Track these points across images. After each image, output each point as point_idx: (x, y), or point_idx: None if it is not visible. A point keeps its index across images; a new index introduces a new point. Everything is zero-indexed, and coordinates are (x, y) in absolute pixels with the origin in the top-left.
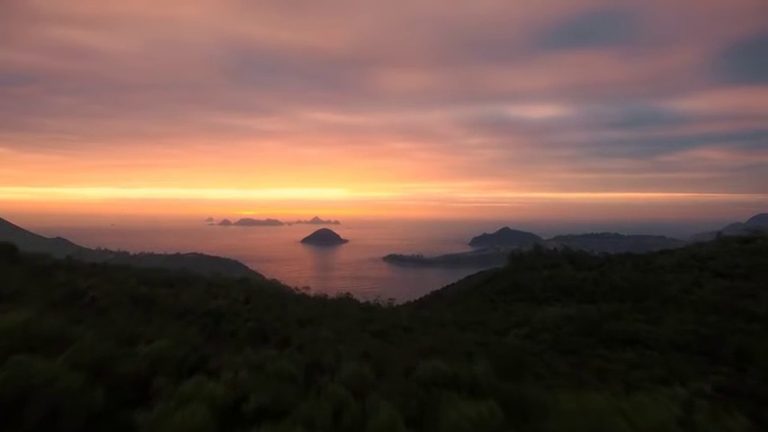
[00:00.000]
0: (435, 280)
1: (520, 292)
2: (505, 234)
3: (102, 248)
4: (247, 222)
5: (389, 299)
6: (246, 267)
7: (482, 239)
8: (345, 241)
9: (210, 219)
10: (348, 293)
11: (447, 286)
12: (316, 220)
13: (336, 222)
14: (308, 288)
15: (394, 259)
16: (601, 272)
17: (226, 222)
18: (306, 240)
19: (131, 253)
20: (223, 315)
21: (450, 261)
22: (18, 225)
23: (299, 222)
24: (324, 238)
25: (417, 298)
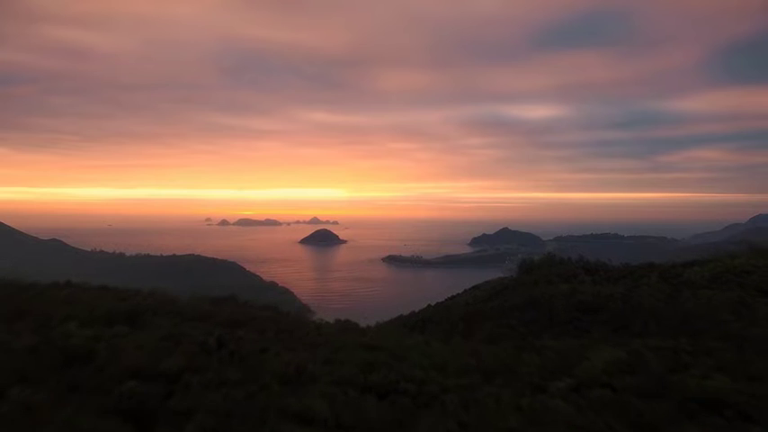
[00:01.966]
0: (435, 282)
1: (536, 309)
2: (505, 234)
3: (98, 249)
4: (246, 222)
5: (392, 319)
6: (244, 269)
7: (482, 240)
8: (344, 242)
9: (209, 219)
10: (347, 320)
11: (452, 297)
12: (314, 221)
13: (335, 223)
14: (308, 309)
15: (393, 260)
16: (626, 287)
17: (224, 222)
18: (304, 241)
19: (127, 254)
20: (180, 377)
21: (449, 262)
22: (14, 226)
23: (297, 222)
24: (323, 238)
25: (420, 309)
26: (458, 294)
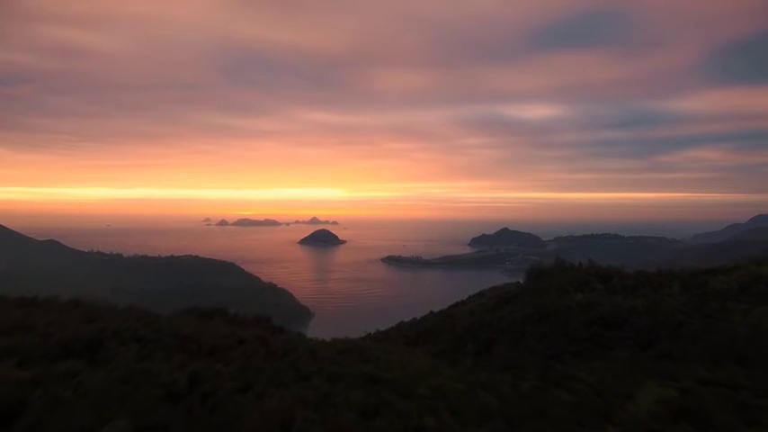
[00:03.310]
0: (435, 283)
1: (550, 323)
2: (505, 235)
3: (95, 250)
4: (245, 223)
5: (393, 327)
6: (242, 270)
7: (481, 240)
8: (344, 242)
9: (208, 219)
10: (346, 338)
11: (455, 304)
12: (314, 221)
13: (335, 223)
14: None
15: (393, 260)
16: (647, 298)
17: (223, 222)
18: (304, 241)
19: (125, 255)
20: None
21: (449, 262)
22: (11, 227)
23: (297, 223)
24: (322, 238)
25: (422, 315)
26: (461, 302)
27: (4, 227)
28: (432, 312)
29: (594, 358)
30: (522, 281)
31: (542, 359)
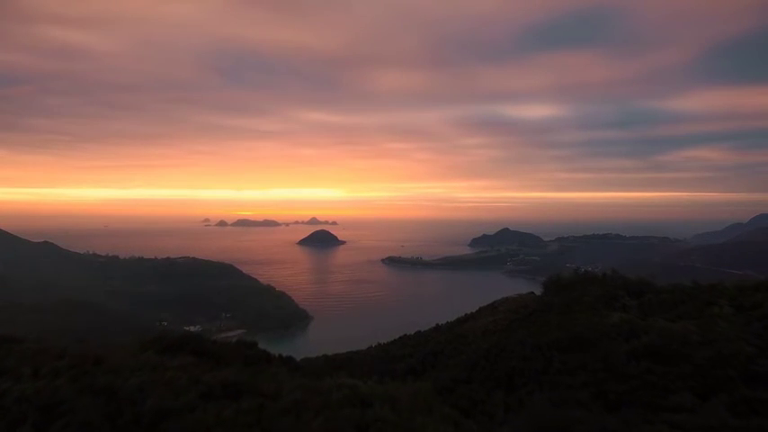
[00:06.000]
0: (437, 284)
1: (583, 351)
2: (506, 235)
3: (91, 252)
4: (244, 223)
5: (395, 339)
6: (240, 271)
7: (482, 240)
8: (343, 243)
9: (207, 219)
10: (341, 381)
11: (466, 318)
12: (313, 221)
13: (334, 223)
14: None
15: (393, 261)
16: (696, 322)
17: (222, 223)
18: (303, 242)
19: (121, 257)
20: None
21: (450, 263)
22: (7, 228)
23: (296, 223)
24: (321, 239)
25: (427, 328)
26: (471, 315)
27: (2, 230)
28: (437, 326)
29: (651, 407)
30: (535, 291)
31: (594, 412)
